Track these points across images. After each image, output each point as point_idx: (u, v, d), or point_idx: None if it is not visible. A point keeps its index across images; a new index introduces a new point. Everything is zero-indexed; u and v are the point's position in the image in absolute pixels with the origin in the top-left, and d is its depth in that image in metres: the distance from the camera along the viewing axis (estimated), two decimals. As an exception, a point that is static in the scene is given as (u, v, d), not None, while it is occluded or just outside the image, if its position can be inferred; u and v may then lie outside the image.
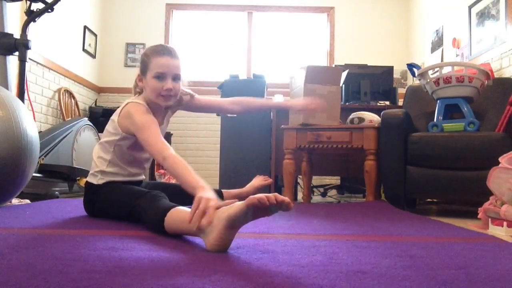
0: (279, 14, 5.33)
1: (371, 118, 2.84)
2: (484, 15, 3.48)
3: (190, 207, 1.27)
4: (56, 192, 2.80)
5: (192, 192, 1.25)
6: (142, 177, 1.88)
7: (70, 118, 4.01)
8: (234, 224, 1.06)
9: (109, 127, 1.71)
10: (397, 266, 0.94)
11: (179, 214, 1.26)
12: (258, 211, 1.04)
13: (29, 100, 3.48)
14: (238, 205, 1.05)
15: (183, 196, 2.13)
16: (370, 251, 1.11)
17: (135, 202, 1.50)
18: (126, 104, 1.66)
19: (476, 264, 0.97)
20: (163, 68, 1.61)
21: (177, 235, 1.28)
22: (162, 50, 1.63)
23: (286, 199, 1.00)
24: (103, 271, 0.83)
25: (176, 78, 1.65)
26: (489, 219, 1.71)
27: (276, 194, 1.01)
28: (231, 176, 3.55)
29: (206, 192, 1.19)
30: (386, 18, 5.23)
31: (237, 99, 1.96)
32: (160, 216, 1.29)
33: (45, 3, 2.73)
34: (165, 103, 1.68)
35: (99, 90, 5.18)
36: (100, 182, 1.69)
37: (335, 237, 1.36)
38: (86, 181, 1.76)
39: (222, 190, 2.39)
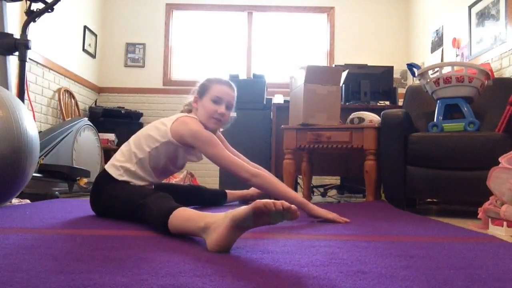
0: (279, 14, 5.33)
1: (371, 118, 2.84)
2: (484, 15, 3.48)
3: (196, 207, 1.28)
4: (56, 192, 2.80)
5: (299, 206, 1.69)
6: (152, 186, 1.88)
7: (70, 118, 4.01)
8: (238, 226, 1.06)
9: (152, 132, 1.74)
10: (397, 266, 0.94)
11: (183, 214, 1.26)
12: (260, 217, 1.02)
13: (29, 100, 3.49)
14: (244, 208, 1.04)
15: (187, 197, 2.14)
16: (370, 251, 1.11)
17: (140, 201, 1.50)
18: (181, 116, 1.77)
19: (476, 264, 0.97)
20: (221, 94, 1.81)
21: (178, 235, 1.28)
22: (224, 81, 1.87)
23: (293, 207, 0.99)
24: (103, 271, 0.83)
25: (229, 107, 1.84)
26: (489, 219, 1.71)
27: (284, 201, 1.00)
28: (231, 176, 3.54)
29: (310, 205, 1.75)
30: (386, 18, 5.23)
31: (261, 174, 1.78)
32: (164, 216, 1.29)
33: (45, 3, 2.73)
34: (215, 126, 1.82)
35: (99, 90, 5.18)
36: (120, 178, 1.69)
37: (335, 237, 1.36)
38: (104, 170, 1.75)
39: (226, 191, 2.39)
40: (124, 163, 1.72)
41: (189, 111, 1.91)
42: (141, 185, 1.74)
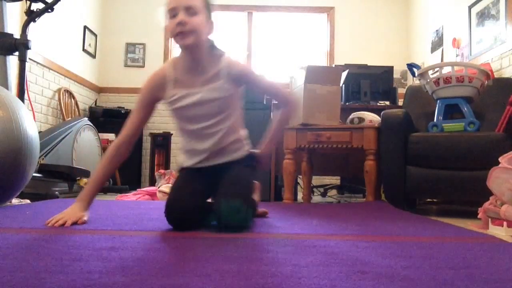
0: (279, 14, 5.33)
1: (371, 118, 2.84)
2: (484, 15, 3.48)
3: None
4: (56, 192, 2.80)
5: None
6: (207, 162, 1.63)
7: (70, 118, 4.01)
8: None
9: None
10: (397, 266, 0.94)
11: None
12: None
13: (29, 100, 3.48)
14: None
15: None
16: (370, 251, 1.11)
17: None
18: None
19: (476, 264, 0.97)
20: (172, 4, 1.47)
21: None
22: None
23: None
24: (103, 271, 0.83)
25: (190, 11, 1.47)
26: (489, 219, 1.71)
27: None
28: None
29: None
30: (386, 18, 5.23)
31: (281, 110, 1.80)
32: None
33: (45, 3, 2.73)
34: (182, 41, 1.50)
35: (99, 90, 5.18)
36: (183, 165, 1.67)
37: (335, 237, 1.36)
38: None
39: None
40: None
41: None
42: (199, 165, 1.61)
